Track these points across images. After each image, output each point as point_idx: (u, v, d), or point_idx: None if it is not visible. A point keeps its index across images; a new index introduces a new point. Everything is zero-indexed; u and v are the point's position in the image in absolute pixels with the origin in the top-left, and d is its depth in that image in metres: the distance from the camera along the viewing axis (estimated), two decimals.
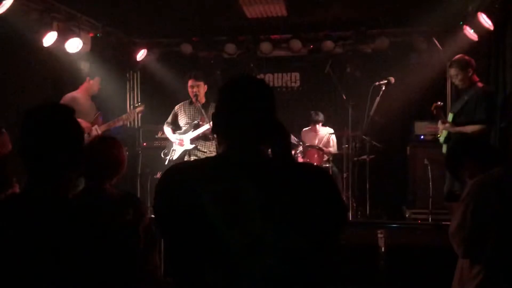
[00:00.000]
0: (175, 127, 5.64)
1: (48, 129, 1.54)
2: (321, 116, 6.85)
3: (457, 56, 4.82)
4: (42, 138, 1.53)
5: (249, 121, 1.49)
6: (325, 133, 6.89)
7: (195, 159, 1.56)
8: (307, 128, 7.07)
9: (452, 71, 4.80)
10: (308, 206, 1.44)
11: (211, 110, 5.42)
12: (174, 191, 1.47)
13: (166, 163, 5.56)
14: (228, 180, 1.43)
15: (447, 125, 4.80)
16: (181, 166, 1.58)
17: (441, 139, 4.90)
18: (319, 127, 6.90)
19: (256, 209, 1.39)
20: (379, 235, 4.07)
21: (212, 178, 1.44)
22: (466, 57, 4.75)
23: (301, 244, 1.41)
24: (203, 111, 5.31)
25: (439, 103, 4.95)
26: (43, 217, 1.46)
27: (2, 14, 4.57)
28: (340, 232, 1.55)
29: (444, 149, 4.86)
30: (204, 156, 5.38)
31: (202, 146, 5.45)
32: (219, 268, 1.39)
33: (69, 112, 1.62)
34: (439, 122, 4.88)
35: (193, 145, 5.42)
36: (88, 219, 1.51)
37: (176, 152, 5.52)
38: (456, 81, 4.81)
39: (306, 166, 1.51)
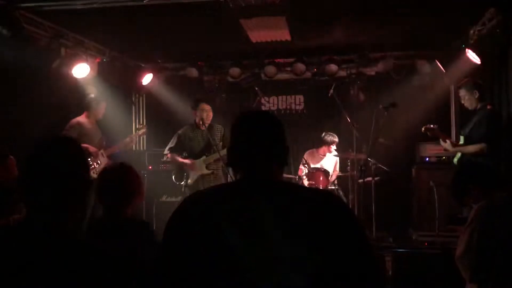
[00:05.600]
0: (181, 151, 5.64)
1: (57, 164, 1.53)
2: (336, 138, 6.69)
3: (466, 79, 4.92)
4: (49, 171, 1.52)
5: (261, 151, 1.59)
6: (332, 157, 6.87)
7: (213, 186, 1.65)
8: (312, 150, 7.06)
9: (460, 93, 4.93)
10: (322, 223, 1.47)
11: (218, 131, 5.50)
12: (193, 214, 1.54)
13: (182, 189, 5.54)
14: (243, 200, 1.51)
15: (448, 142, 4.87)
16: (200, 192, 1.67)
17: (455, 160, 4.93)
18: (330, 149, 6.76)
19: (272, 229, 1.44)
20: (386, 259, 4.04)
21: (228, 199, 1.53)
22: (474, 80, 4.84)
23: (315, 259, 1.43)
24: (209, 134, 5.36)
25: (431, 125, 5.01)
26: (39, 250, 1.43)
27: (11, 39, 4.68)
28: (366, 247, 1.54)
29: None
30: (217, 179, 5.42)
31: (216, 170, 5.48)
32: (236, 285, 1.42)
33: (77, 146, 1.63)
34: (440, 141, 4.95)
35: (210, 170, 5.43)
36: (86, 252, 1.47)
37: (191, 177, 5.50)
38: (464, 102, 4.92)
39: (316, 188, 1.56)
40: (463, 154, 4.80)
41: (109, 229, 2.44)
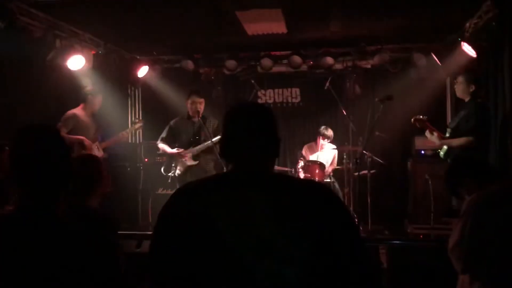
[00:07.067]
0: (172, 142, 5.65)
1: (39, 149, 1.57)
2: (330, 132, 6.60)
3: (468, 70, 4.93)
4: (34, 157, 1.55)
5: (253, 143, 1.59)
6: (330, 150, 6.86)
7: (205, 177, 1.66)
8: (311, 143, 7.04)
9: (458, 79, 4.93)
10: (312, 213, 1.48)
11: (210, 123, 5.50)
12: (184, 205, 1.54)
13: (169, 180, 5.56)
14: (235, 190, 1.52)
15: (435, 134, 4.87)
16: (192, 183, 1.66)
17: (441, 154, 4.94)
18: (325, 142, 6.68)
19: (264, 217, 1.45)
20: (381, 251, 4.07)
21: (220, 190, 1.53)
22: (475, 74, 4.85)
23: (308, 250, 1.44)
24: (203, 126, 5.36)
25: (421, 116, 5.03)
26: (33, 236, 1.47)
27: (6, 31, 4.64)
28: (356, 240, 1.55)
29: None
30: (204, 171, 5.41)
31: (203, 161, 5.48)
32: (229, 275, 1.43)
33: (57, 132, 1.67)
34: (427, 132, 4.96)
35: (197, 161, 5.43)
36: (79, 237, 1.53)
37: (178, 168, 5.52)
38: (457, 89, 4.93)
39: (308, 179, 1.57)
40: (449, 147, 4.81)
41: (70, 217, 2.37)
